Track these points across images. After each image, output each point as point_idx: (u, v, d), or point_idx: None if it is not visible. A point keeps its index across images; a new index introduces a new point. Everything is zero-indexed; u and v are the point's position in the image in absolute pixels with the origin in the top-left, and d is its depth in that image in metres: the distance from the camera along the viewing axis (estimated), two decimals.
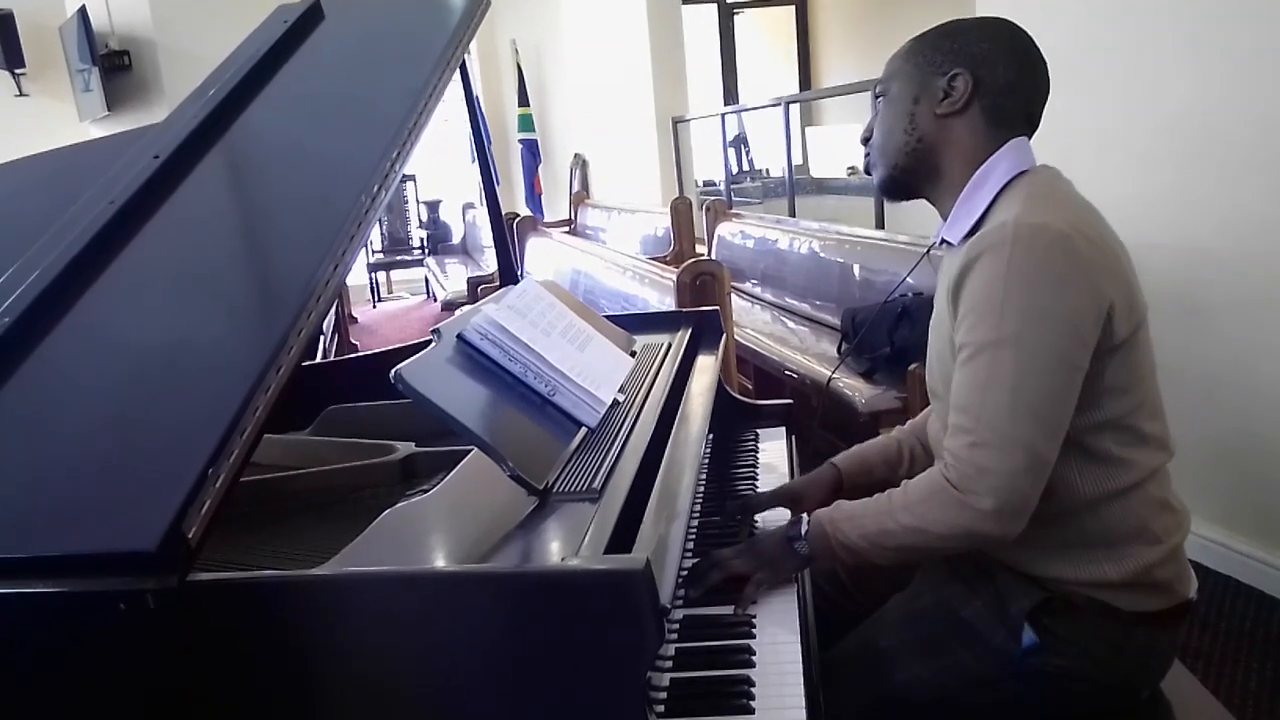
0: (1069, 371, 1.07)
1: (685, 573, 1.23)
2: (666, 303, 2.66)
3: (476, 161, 2.20)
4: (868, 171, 1.28)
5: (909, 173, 1.23)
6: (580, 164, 7.62)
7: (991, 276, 1.07)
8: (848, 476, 1.44)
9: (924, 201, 1.27)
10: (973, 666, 1.19)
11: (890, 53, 1.26)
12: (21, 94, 7.46)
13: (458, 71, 1.56)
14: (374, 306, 8.59)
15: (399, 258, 8.80)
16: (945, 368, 1.19)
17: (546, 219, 7.08)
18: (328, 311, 1.12)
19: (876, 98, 1.26)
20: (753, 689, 1.01)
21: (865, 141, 1.28)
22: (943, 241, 1.23)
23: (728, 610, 1.16)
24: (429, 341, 1.19)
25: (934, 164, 1.21)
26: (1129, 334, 1.11)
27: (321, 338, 3.85)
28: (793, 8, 9.00)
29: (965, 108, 1.17)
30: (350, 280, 1.26)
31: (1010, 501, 1.05)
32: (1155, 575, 1.16)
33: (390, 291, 9.12)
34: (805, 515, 1.19)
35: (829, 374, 2.87)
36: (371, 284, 8.71)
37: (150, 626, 0.81)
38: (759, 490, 1.53)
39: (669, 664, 1.05)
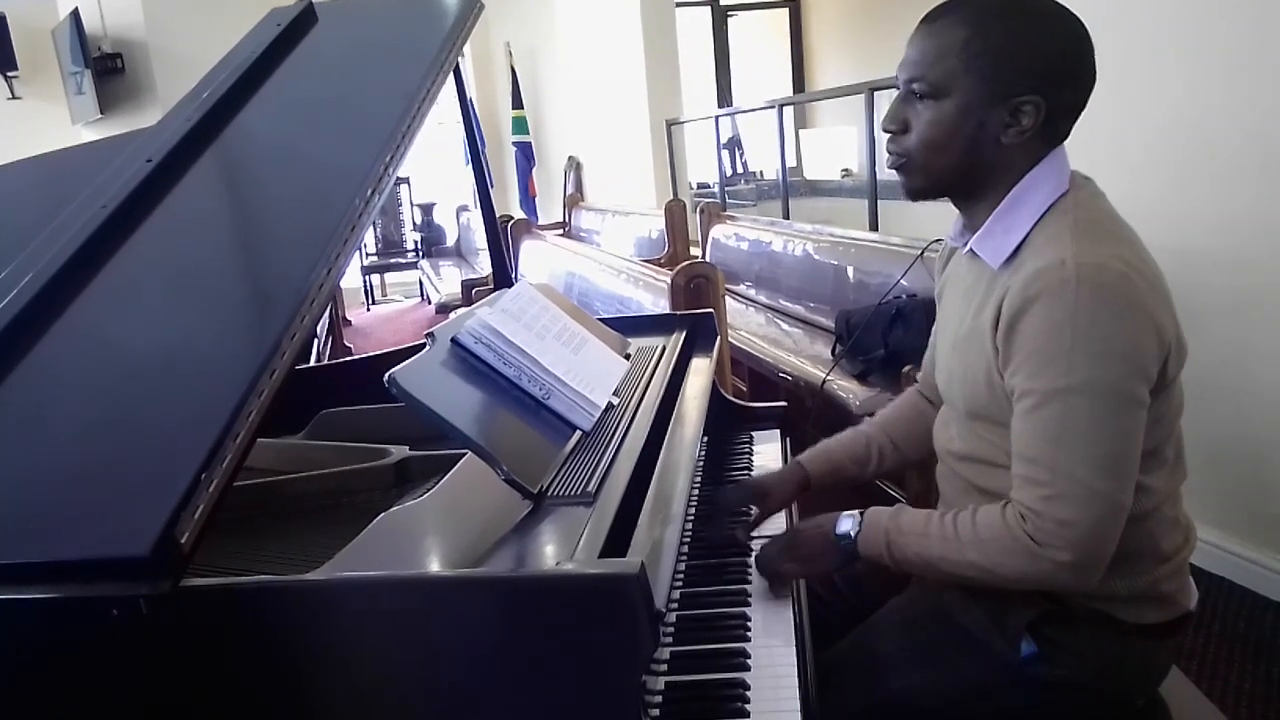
0: (1138, 411, 1.04)
1: (680, 579, 1.23)
2: (661, 305, 2.65)
3: (471, 164, 2.21)
4: (894, 167, 1.17)
5: (950, 187, 1.17)
6: (574, 166, 7.62)
7: (1056, 321, 1.02)
8: (815, 477, 1.43)
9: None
10: (969, 674, 1.19)
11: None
12: (14, 97, 7.44)
13: (451, 74, 1.55)
14: (368, 309, 8.58)
15: (393, 260, 8.81)
16: (975, 388, 1.15)
17: (540, 221, 7.08)
18: (321, 315, 1.12)
19: (914, 92, 1.12)
20: (748, 692, 1.02)
21: (895, 134, 1.15)
22: (969, 250, 1.18)
23: (721, 611, 1.16)
24: (423, 345, 1.19)
25: (981, 180, 1.14)
26: (1177, 373, 1.10)
27: (315, 341, 3.84)
28: (786, 10, 9.02)
29: (1030, 135, 1.10)
30: (344, 283, 1.25)
31: (1092, 553, 1.03)
32: (1160, 589, 1.16)
33: (384, 294, 9.11)
34: (859, 513, 1.19)
35: (823, 376, 2.87)
36: (366, 287, 8.70)
37: (143, 632, 0.80)
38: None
39: (664, 668, 1.05)
